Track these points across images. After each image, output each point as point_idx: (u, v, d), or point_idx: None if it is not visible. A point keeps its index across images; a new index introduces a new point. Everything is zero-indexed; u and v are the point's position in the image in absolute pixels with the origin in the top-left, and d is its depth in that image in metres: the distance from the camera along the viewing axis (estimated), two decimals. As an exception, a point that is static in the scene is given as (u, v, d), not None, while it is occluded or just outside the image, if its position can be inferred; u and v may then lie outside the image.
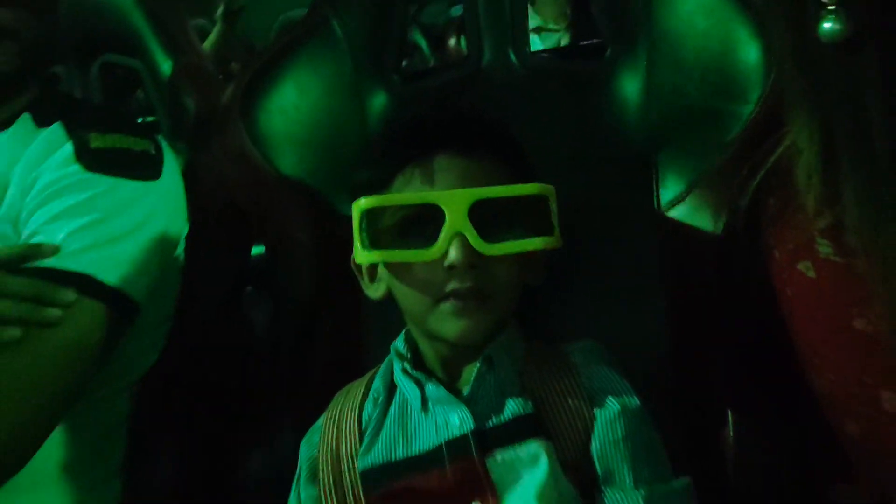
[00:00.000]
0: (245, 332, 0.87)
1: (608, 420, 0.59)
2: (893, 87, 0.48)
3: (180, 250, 0.86)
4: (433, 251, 0.58)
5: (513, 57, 0.84)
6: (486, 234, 0.59)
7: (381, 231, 0.62)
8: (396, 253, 0.61)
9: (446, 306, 0.60)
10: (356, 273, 0.70)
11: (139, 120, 1.01)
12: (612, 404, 0.60)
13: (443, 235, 0.58)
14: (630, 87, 0.79)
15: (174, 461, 0.81)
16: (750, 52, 0.69)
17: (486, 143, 0.64)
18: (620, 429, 0.59)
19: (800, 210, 0.54)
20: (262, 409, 0.78)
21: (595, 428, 0.59)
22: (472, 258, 0.58)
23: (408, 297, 0.63)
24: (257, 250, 0.95)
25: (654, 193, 0.77)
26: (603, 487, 0.57)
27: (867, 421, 0.50)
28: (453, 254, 0.58)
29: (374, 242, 0.62)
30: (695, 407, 0.68)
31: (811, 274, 0.54)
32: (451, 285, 0.59)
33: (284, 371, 0.79)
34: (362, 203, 0.61)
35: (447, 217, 0.58)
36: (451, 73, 0.87)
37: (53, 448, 0.75)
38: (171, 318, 0.87)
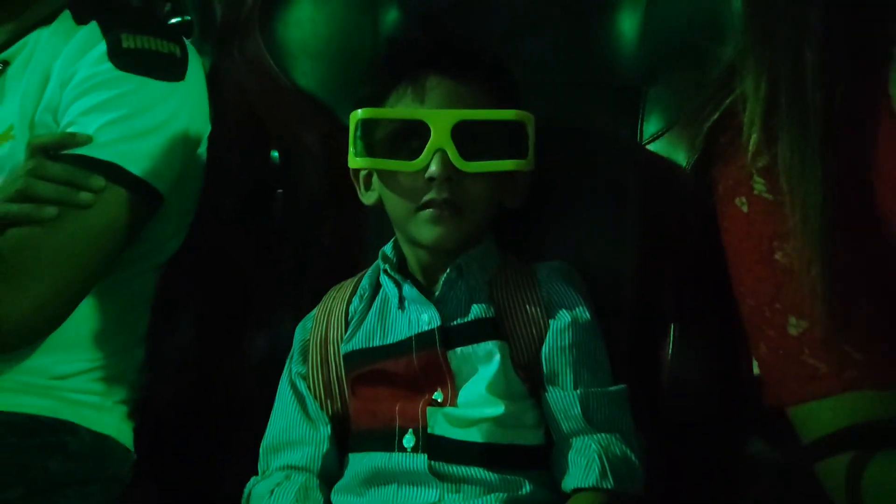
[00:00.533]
0: (260, 229, 0.95)
1: (559, 329, 0.67)
2: (833, 42, 0.52)
3: (202, 149, 0.93)
4: (417, 163, 0.65)
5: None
6: (466, 152, 0.65)
7: (374, 141, 0.69)
8: (385, 161, 0.68)
9: (424, 214, 0.67)
10: (354, 181, 0.77)
11: (171, 21, 1.05)
12: (564, 316, 0.67)
13: (426, 149, 0.65)
14: (628, 19, 0.82)
15: (190, 336, 0.91)
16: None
17: (475, 67, 0.70)
18: (568, 337, 0.66)
19: (742, 150, 0.59)
20: (269, 297, 0.87)
21: (547, 335, 0.67)
22: (450, 172, 0.65)
23: (394, 204, 0.70)
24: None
25: (638, 125, 0.81)
26: (546, 386, 0.66)
27: (774, 342, 0.56)
28: (434, 167, 0.65)
29: (366, 150, 0.69)
30: (643, 322, 0.75)
31: (745, 209, 0.58)
32: (430, 195, 0.66)
33: (290, 265, 0.87)
34: (358, 114, 0.69)
35: (432, 133, 0.65)
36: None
37: (86, 316, 0.85)
38: (194, 210, 0.95)
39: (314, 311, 0.77)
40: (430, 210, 0.67)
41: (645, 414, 0.68)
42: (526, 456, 0.65)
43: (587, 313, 0.68)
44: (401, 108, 0.69)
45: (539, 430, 0.66)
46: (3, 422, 0.78)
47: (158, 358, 0.92)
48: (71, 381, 0.84)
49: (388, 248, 0.75)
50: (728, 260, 0.61)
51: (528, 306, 0.68)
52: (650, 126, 0.80)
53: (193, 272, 0.93)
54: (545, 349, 0.66)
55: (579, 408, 0.63)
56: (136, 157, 0.82)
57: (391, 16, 0.89)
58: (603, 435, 0.62)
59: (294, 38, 0.88)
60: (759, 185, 0.58)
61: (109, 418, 0.86)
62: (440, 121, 0.65)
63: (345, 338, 0.71)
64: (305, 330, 0.76)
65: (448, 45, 0.72)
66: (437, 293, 0.69)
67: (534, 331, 0.67)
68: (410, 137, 0.66)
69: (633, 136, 0.80)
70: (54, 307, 0.78)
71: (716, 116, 0.63)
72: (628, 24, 0.82)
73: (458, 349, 0.66)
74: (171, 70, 0.87)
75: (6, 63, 0.86)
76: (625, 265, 0.77)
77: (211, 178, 0.95)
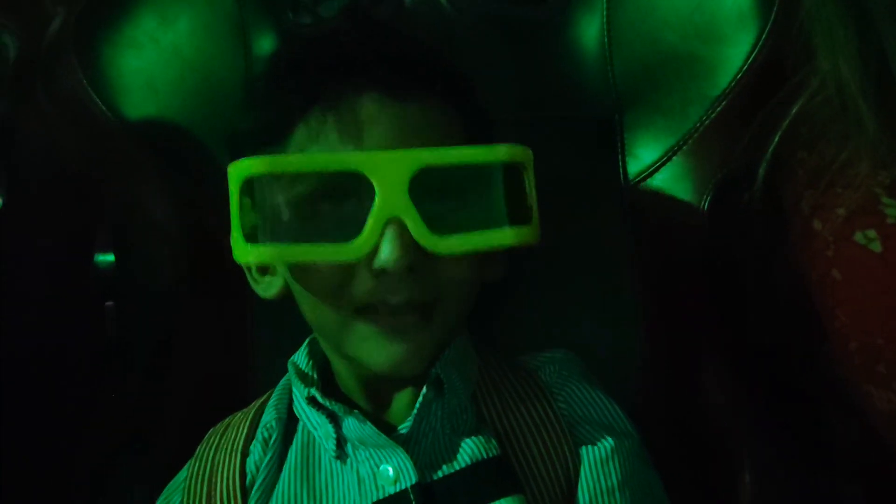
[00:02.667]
0: (83, 348, 0.62)
1: (598, 461, 0.42)
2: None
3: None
4: (355, 247, 0.37)
5: (442, -3, 0.65)
6: (434, 219, 0.38)
7: (275, 212, 0.39)
8: (298, 248, 0.39)
9: (369, 325, 0.40)
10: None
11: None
12: (602, 439, 0.43)
13: (371, 222, 0.37)
14: (587, 35, 0.63)
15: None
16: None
17: (433, 81, 0.42)
18: (615, 473, 0.42)
19: (850, 165, 0.39)
20: (101, 457, 0.54)
21: (581, 473, 0.42)
22: (414, 258, 0.38)
23: (313, 307, 0.42)
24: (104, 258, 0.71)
25: (620, 164, 0.61)
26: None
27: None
28: (386, 252, 0.37)
29: (264, 229, 0.39)
30: (691, 439, 0.52)
31: (875, 246, 0.38)
32: (380, 294, 0.39)
33: (133, 404, 0.55)
34: (244, 167, 0.38)
35: (378, 193, 0.37)
36: (364, 11, 0.67)
37: None
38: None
39: (182, 474, 0.46)
40: (382, 317, 0.40)
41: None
42: None
43: (630, 428, 0.44)
44: (318, 154, 0.40)
45: None
46: None
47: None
48: None
49: (300, 358, 0.47)
50: (842, 330, 0.40)
51: (542, 429, 0.43)
52: (636, 162, 0.59)
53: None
54: (583, 496, 0.41)
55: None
56: None
57: (265, 41, 0.63)
58: None
59: (128, 65, 0.59)
60: (894, 209, 0.38)
61: None
62: (390, 170, 0.37)
63: (243, 519, 0.41)
64: None
65: (387, 46, 0.44)
66: (403, 427, 0.42)
67: (558, 468, 0.42)
68: (338, 199, 0.40)
69: (613, 175, 0.60)
70: None
71: (784, 127, 0.43)
72: (587, 41, 0.63)
73: (453, 521, 0.38)
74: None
75: None
76: (634, 350, 0.55)
77: (5, 275, 0.62)
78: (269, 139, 0.42)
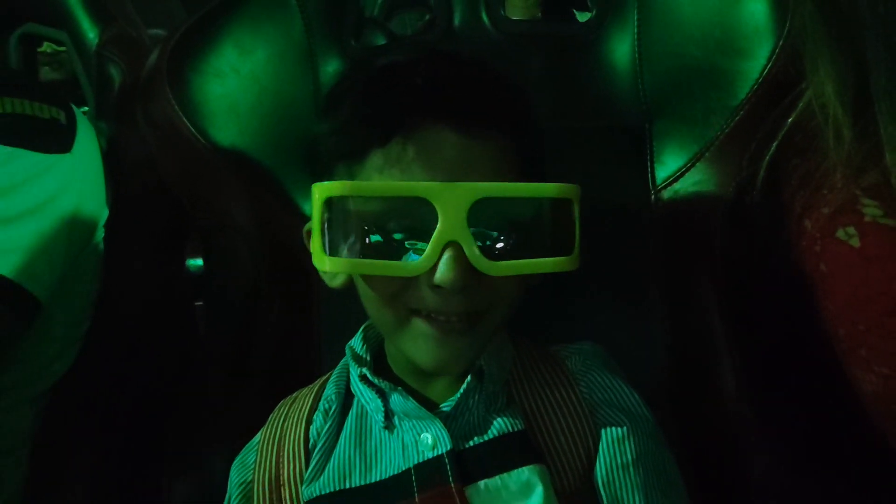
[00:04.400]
0: (177, 340, 0.71)
1: (615, 440, 0.46)
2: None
3: (98, 239, 0.70)
4: (418, 265, 0.42)
5: (486, 19, 0.70)
6: (489, 244, 0.43)
7: (350, 226, 0.44)
8: (369, 264, 0.43)
9: (423, 326, 0.45)
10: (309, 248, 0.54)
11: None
12: (620, 420, 0.47)
13: (433, 243, 0.41)
14: (620, 51, 0.67)
15: (85, 491, 0.64)
16: (757, 1, 0.57)
17: (494, 116, 0.45)
18: (630, 451, 0.46)
19: (835, 170, 0.42)
20: (190, 426, 0.62)
21: (599, 450, 0.46)
22: (467, 279, 0.42)
23: (374, 304, 0.47)
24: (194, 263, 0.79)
25: (649, 170, 0.64)
26: (610, 522, 0.44)
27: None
28: (444, 271, 0.41)
29: (340, 242, 0.44)
30: (703, 423, 0.55)
31: (855, 242, 0.41)
32: (435, 305, 0.44)
33: (218, 381, 0.63)
34: (327, 188, 0.43)
35: (440, 219, 0.41)
36: (418, 37, 0.73)
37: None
38: (86, 322, 0.70)
39: (256, 438, 0.53)
40: (433, 322, 0.45)
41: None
42: None
43: (647, 412, 0.48)
44: (391, 182, 0.43)
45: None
46: None
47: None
48: None
49: (356, 342, 0.53)
50: (833, 315, 0.43)
51: (565, 410, 0.47)
52: (663, 168, 0.63)
53: (86, 405, 0.67)
54: (601, 470, 0.45)
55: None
56: (2, 251, 0.57)
57: (332, 66, 0.70)
58: None
59: (213, 92, 0.67)
60: (871, 208, 0.41)
61: None
62: (453, 199, 0.41)
63: (307, 476, 0.48)
64: (246, 467, 0.51)
65: (468, 82, 0.46)
66: (446, 406, 0.47)
67: (579, 445, 0.46)
68: (404, 217, 0.43)
69: (642, 180, 0.64)
70: None
71: (781, 136, 0.46)
72: (619, 55, 0.67)
73: (482, 483, 0.44)
74: (53, 139, 0.65)
75: None
76: (659, 342, 0.58)
77: (111, 276, 0.71)
78: (348, 160, 0.46)
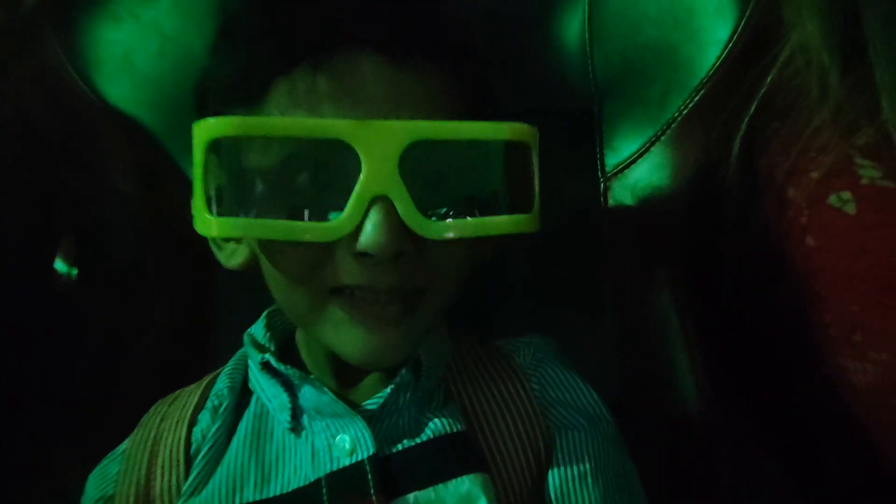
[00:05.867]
0: (38, 321, 0.58)
1: (570, 444, 0.38)
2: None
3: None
4: (336, 226, 0.33)
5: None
6: (426, 200, 0.34)
7: (243, 179, 0.34)
8: (269, 224, 0.33)
9: (345, 310, 0.36)
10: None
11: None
12: (576, 422, 0.39)
13: (354, 198, 0.32)
14: (570, 28, 0.61)
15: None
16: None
17: (438, 48, 0.36)
18: (588, 457, 0.38)
19: (824, 129, 0.37)
20: (48, 432, 0.49)
21: (553, 456, 0.38)
22: (402, 242, 0.33)
23: (282, 285, 0.37)
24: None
25: (598, 156, 0.58)
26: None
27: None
28: (370, 233, 0.32)
29: (231, 200, 0.34)
30: (663, 428, 0.48)
31: (850, 208, 0.35)
32: (361, 279, 0.35)
33: (85, 377, 0.51)
34: (211, 127, 0.33)
35: (364, 167, 0.32)
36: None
37: None
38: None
39: (123, 445, 0.41)
40: (360, 304, 0.35)
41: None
42: None
43: (606, 413, 0.41)
44: (298, 117, 0.34)
45: None
46: None
47: None
48: None
49: (257, 329, 0.43)
50: (816, 303, 0.37)
51: (513, 410, 0.39)
52: (615, 154, 0.57)
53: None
54: (553, 481, 0.38)
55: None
56: None
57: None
58: None
59: (107, 39, 0.56)
60: (868, 169, 0.35)
61: None
62: (380, 142, 0.32)
63: (185, 488, 0.37)
64: (106, 479, 0.40)
65: (397, 7, 0.37)
66: (370, 404, 0.38)
67: (528, 449, 0.38)
68: (319, 172, 0.34)
69: (591, 167, 0.57)
70: None
71: (758, 99, 0.41)
72: (569, 34, 0.61)
73: (412, 496, 0.35)
74: None
75: None
76: (609, 338, 0.52)
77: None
78: (244, 96, 0.36)
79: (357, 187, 0.32)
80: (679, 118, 0.53)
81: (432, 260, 0.35)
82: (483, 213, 0.35)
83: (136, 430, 0.41)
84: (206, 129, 0.33)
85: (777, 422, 0.42)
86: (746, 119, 0.41)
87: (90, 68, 0.56)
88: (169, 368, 0.50)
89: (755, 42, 0.46)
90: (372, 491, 0.34)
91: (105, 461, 0.41)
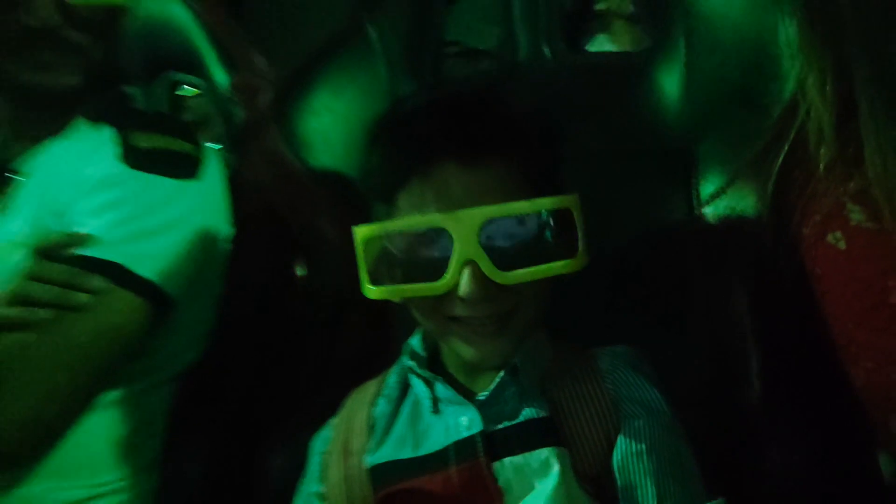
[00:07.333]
0: (281, 334, 0.82)
1: (632, 429, 0.50)
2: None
3: (223, 250, 0.82)
4: (443, 283, 0.49)
5: (546, 52, 0.76)
6: (502, 257, 0.49)
7: (386, 258, 0.52)
8: (404, 288, 0.52)
9: (460, 330, 0.52)
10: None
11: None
12: (637, 412, 0.51)
13: (452, 265, 0.48)
14: (669, 78, 0.70)
15: (206, 458, 0.76)
16: (790, 26, 0.59)
17: (492, 147, 0.50)
18: (646, 439, 0.50)
19: (826, 177, 0.44)
20: (291, 408, 0.72)
21: (618, 438, 0.50)
22: (487, 289, 0.48)
23: (419, 315, 0.55)
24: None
25: (694, 189, 0.67)
26: (623, 504, 0.48)
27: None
28: (464, 286, 0.48)
29: (379, 273, 0.52)
30: (735, 424, 0.57)
31: (841, 245, 0.43)
32: (464, 311, 0.51)
33: (311, 371, 0.73)
34: (364, 231, 0.51)
35: (455, 243, 0.48)
36: (486, 66, 0.80)
37: (88, 436, 0.71)
38: (211, 319, 0.82)
39: (334, 419, 0.61)
40: (468, 327, 0.52)
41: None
42: None
43: (664, 406, 0.52)
44: (411, 217, 0.51)
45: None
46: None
47: (173, 484, 0.76)
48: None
49: (415, 341, 0.60)
50: (828, 315, 0.45)
51: (591, 402, 0.52)
52: (707, 186, 0.66)
53: (210, 385, 0.79)
54: (617, 456, 0.50)
55: (669, 532, 0.46)
56: (144, 258, 0.70)
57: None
58: None
59: (310, 127, 0.78)
60: (855, 213, 0.43)
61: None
62: (462, 225, 0.47)
63: (370, 448, 0.56)
64: (324, 440, 0.60)
65: (452, 120, 0.52)
66: (481, 395, 0.54)
67: (600, 433, 0.51)
68: (431, 246, 0.50)
69: (686, 201, 0.66)
70: (47, 421, 0.64)
71: (785, 150, 0.48)
72: (668, 82, 0.70)
73: (507, 459, 0.50)
74: (185, 168, 0.78)
75: (17, 172, 0.78)
76: (699, 348, 0.61)
77: (231, 284, 0.83)
78: (383, 199, 0.53)
79: (453, 256, 0.48)
80: (754, 156, 0.60)
81: (513, 293, 0.50)
82: (540, 262, 0.49)
83: (340, 409, 0.61)
84: (361, 232, 0.52)
85: (816, 416, 0.49)
86: (776, 166, 0.49)
87: (299, 145, 0.79)
88: (360, 367, 0.69)
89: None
90: (481, 455, 0.50)
91: (323, 429, 0.61)
